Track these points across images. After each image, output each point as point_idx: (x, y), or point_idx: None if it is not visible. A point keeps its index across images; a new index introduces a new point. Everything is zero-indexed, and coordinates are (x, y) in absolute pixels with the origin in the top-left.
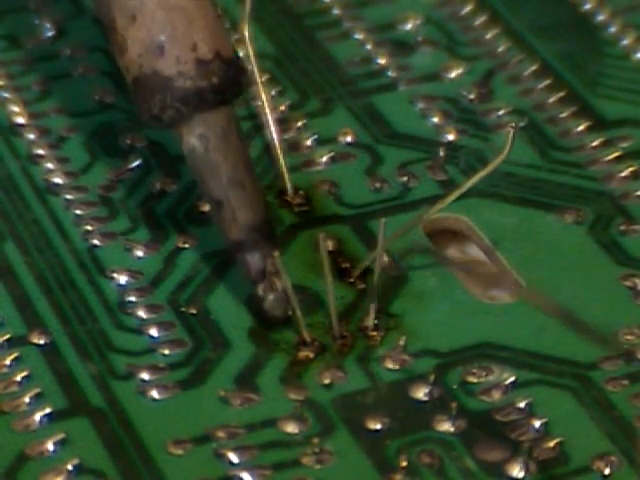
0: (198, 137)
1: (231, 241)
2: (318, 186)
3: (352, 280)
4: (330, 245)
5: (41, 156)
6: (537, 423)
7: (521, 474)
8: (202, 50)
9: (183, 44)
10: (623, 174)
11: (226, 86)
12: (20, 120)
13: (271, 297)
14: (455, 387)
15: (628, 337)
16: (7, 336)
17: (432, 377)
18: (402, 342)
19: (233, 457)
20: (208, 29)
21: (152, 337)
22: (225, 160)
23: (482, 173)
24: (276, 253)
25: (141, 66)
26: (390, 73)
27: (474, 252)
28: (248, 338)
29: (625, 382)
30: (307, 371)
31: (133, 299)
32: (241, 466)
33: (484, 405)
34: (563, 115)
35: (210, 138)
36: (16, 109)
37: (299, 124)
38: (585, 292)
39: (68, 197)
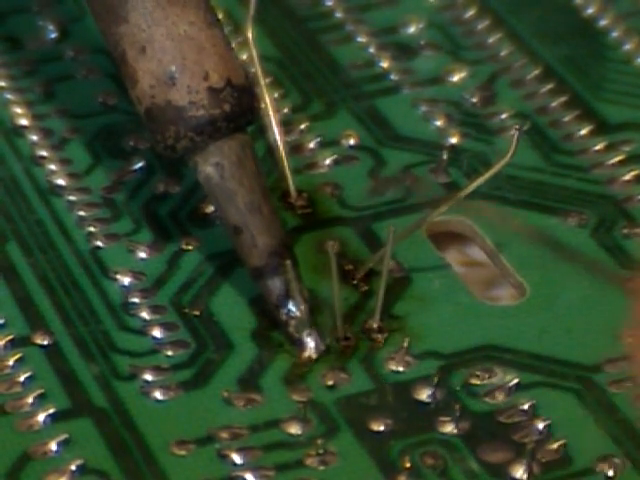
0: (213, 166)
1: (252, 267)
2: (321, 188)
3: (355, 282)
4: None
5: (44, 157)
6: (540, 425)
7: (524, 476)
8: (213, 78)
9: (194, 73)
10: (626, 177)
11: (239, 113)
12: (23, 121)
13: (294, 321)
14: (458, 389)
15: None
16: (10, 337)
17: (435, 379)
18: (405, 344)
19: (236, 458)
20: (218, 57)
21: (155, 338)
22: (241, 187)
23: (485, 176)
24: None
25: (153, 97)
26: (393, 76)
27: (477, 255)
28: (251, 339)
29: (628, 384)
30: (310, 372)
31: (136, 300)
32: (244, 467)
33: (487, 407)
34: (566, 119)
35: (225, 166)
36: (19, 110)
37: (302, 126)
38: (588, 295)
39: (71, 198)
